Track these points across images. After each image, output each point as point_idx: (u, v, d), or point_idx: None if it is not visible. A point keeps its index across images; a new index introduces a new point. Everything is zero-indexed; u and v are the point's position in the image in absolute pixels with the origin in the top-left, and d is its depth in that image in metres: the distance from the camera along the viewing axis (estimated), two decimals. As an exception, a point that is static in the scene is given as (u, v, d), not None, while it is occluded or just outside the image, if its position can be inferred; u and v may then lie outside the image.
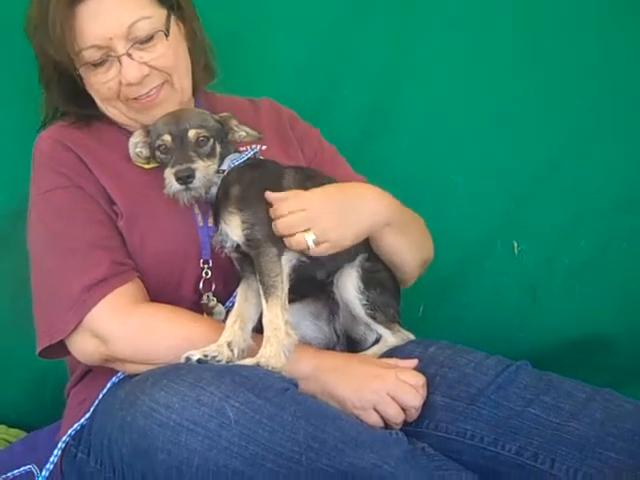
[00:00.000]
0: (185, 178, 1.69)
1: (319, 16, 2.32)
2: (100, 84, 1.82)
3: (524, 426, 1.63)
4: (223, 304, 1.86)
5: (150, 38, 1.80)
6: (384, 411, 1.69)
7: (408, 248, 1.94)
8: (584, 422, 1.60)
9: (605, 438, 1.57)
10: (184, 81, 1.89)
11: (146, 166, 1.86)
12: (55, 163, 1.83)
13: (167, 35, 1.81)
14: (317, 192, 1.77)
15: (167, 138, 1.74)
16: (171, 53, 1.83)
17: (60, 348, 1.76)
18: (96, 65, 1.80)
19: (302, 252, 1.74)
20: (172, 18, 1.84)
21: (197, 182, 1.71)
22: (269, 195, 1.74)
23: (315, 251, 1.73)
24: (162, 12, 1.82)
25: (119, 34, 1.77)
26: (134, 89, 1.82)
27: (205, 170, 1.72)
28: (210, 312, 1.85)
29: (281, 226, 1.71)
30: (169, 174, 1.72)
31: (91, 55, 1.78)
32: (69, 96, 1.89)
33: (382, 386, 1.70)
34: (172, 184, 1.71)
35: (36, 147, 1.88)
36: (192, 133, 1.74)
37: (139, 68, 1.79)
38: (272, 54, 2.32)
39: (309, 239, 1.72)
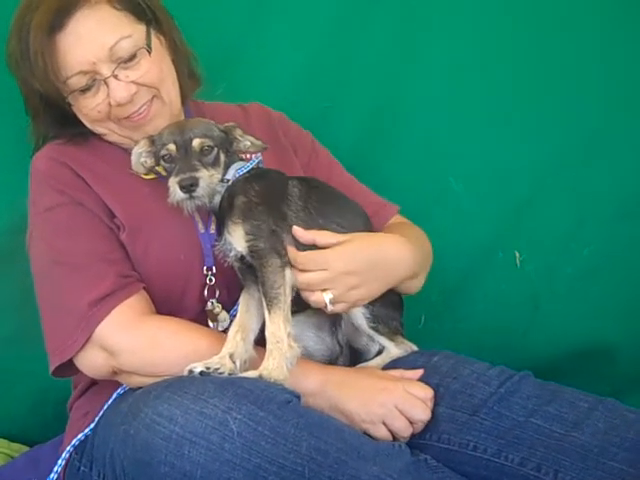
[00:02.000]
0: (189, 187, 1.70)
1: (319, 24, 2.33)
2: (89, 109, 1.82)
3: (527, 437, 1.63)
4: (228, 311, 1.86)
5: (133, 56, 1.80)
6: (392, 425, 1.69)
7: (419, 281, 1.99)
8: (587, 432, 1.60)
9: (608, 448, 1.57)
10: (172, 93, 1.89)
11: (145, 176, 1.87)
12: (53, 181, 1.83)
13: (149, 51, 1.81)
14: (341, 252, 1.76)
15: (172, 147, 1.75)
16: (156, 68, 1.83)
17: (72, 365, 1.76)
18: (83, 90, 1.80)
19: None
20: (152, 32, 1.84)
21: (201, 191, 1.71)
22: (296, 231, 1.76)
23: (332, 310, 1.75)
24: (141, 28, 1.82)
25: (102, 57, 1.76)
26: (124, 108, 1.82)
27: (209, 179, 1.73)
28: (214, 319, 1.85)
29: (301, 281, 1.72)
30: (173, 183, 1.72)
31: (77, 81, 1.78)
32: (58, 122, 1.89)
33: (390, 399, 1.70)
34: (176, 193, 1.71)
35: (33, 166, 1.88)
36: (196, 142, 1.74)
37: (127, 88, 1.79)
38: (272, 62, 2.32)
39: (327, 298, 1.73)
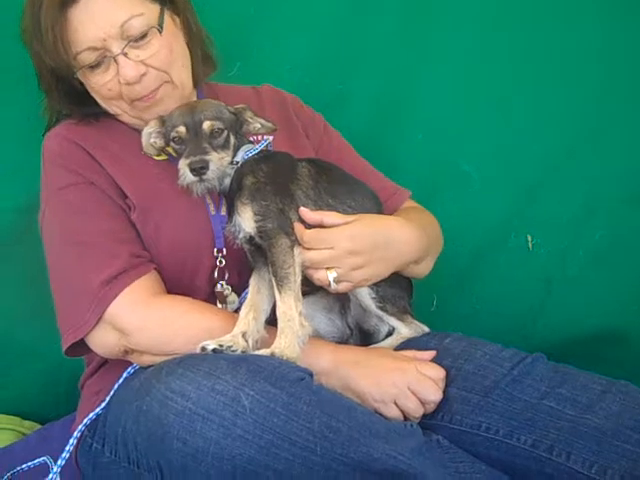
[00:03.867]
0: (199, 169, 1.70)
1: (331, 8, 2.32)
2: (100, 85, 1.82)
3: (539, 419, 1.62)
4: (238, 294, 1.86)
5: (144, 35, 1.79)
6: (404, 405, 1.69)
7: (426, 266, 1.99)
8: (600, 414, 1.59)
9: (621, 430, 1.56)
10: (183, 76, 1.89)
11: (156, 157, 1.87)
12: (65, 161, 1.84)
13: (160, 31, 1.80)
14: (347, 232, 1.76)
15: (182, 129, 1.75)
16: (167, 49, 1.82)
17: (85, 344, 1.77)
18: (93, 67, 1.80)
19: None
20: (166, 13, 1.83)
21: (211, 174, 1.71)
22: (303, 212, 1.76)
23: (335, 289, 1.75)
24: (155, 8, 1.81)
25: (112, 34, 1.76)
26: (134, 90, 1.81)
27: (219, 162, 1.73)
28: (224, 301, 1.85)
29: (307, 259, 1.73)
30: (183, 165, 1.72)
31: (87, 57, 1.78)
32: (71, 99, 1.89)
33: (402, 379, 1.70)
34: (186, 175, 1.72)
35: (45, 146, 1.88)
36: (207, 125, 1.74)
37: (136, 67, 1.78)
38: (284, 47, 2.31)
39: (331, 277, 1.73)
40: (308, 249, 1.73)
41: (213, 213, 1.85)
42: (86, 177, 1.82)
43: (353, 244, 1.75)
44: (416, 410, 1.69)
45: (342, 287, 1.76)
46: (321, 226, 1.76)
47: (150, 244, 1.81)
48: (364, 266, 1.76)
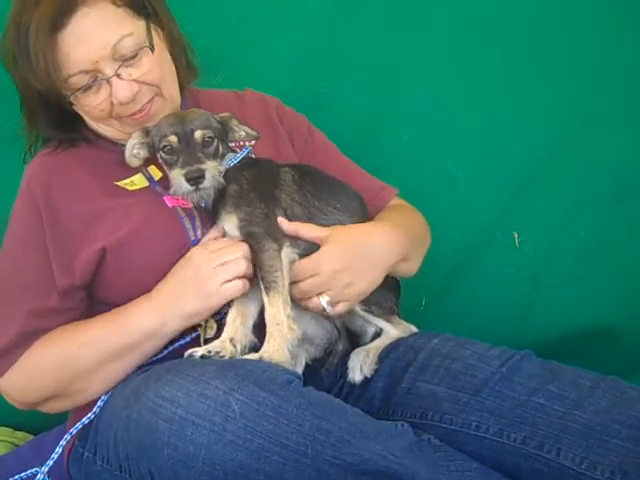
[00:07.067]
0: (196, 179, 1.69)
1: (317, 11, 2.32)
2: (92, 107, 1.80)
3: (529, 416, 1.63)
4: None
5: (135, 54, 1.78)
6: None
7: (414, 264, 1.99)
8: (589, 410, 1.59)
9: (610, 426, 1.56)
10: (172, 89, 1.88)
11: (130, 187, 1.84)
12: (27, 212, 1.84)
13: (152, 50, 1.79)
14: (326, 253, 1.76)
15: (173, 139, 1.73)
16: (157, 65, 1.81)
17: None
18: (85, 89, 1.77)
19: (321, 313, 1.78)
20: (151, 27, 1.81)
21: (207, 183, 1.71)
22: (281, 222, 1.77)
23: (332, 312, 1.76)
24: (141, 24, 1.79)
25: (104, 56, 1.73)
26: (126, 107, 1.80)
27: (214, 170, 1.73)
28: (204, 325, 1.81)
29: (295, 292, 1.74)
30: (178, 175, 1.71)
31: (79, 80, 1.76)
32: (53, 122, 1.87)
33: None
34: (182, 185, 1.70)
35: (25, 174, 1.87)
36: (198, 134, 1.73)
37: (129, 87, 1.76)
38: (268, 52, 2.31)
39: (323, 302, 1.75)
40: (294, 283, 1.74)
41: (193, 238, 1.81)
42: (37, 234, 1.81)
43: (335, 263, 1.76)
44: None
45: (340, 308, 1.77)
46: (297, 237, 1.77)
47: (130, 273, 1.78)
48: (353, 281, 1.77)
